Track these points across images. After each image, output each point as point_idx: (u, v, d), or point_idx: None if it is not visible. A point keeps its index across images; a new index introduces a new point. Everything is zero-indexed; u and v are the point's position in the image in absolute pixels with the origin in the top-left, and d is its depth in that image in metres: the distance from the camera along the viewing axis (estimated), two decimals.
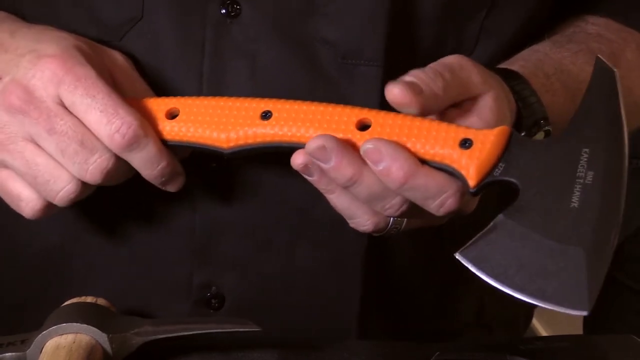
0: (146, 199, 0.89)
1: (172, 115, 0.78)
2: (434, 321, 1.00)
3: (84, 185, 0.77)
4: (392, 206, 0.73)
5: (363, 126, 0.72)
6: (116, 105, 0.75)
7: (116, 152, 0.76)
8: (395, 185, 0.69)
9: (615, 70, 0.71)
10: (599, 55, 0.72)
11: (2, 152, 0.78)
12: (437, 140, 0.70)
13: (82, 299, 0.84)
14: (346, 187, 0.72)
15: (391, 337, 0.92)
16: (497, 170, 0.69)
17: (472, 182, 0.69)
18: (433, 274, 0.98)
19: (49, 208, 0.80)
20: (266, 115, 0.75)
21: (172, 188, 0.80)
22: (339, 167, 0.71)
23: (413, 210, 0.74)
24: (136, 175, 0.80)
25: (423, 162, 0.71)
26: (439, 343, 0.86)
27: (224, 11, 0.85)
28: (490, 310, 1.04)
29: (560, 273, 0.65)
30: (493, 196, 0.79)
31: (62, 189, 0.77)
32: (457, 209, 0.71)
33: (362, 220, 0.76)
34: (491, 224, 0.68)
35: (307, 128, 0.73)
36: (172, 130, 0.78)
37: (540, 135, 0.83)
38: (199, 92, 0.85)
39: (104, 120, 0.75)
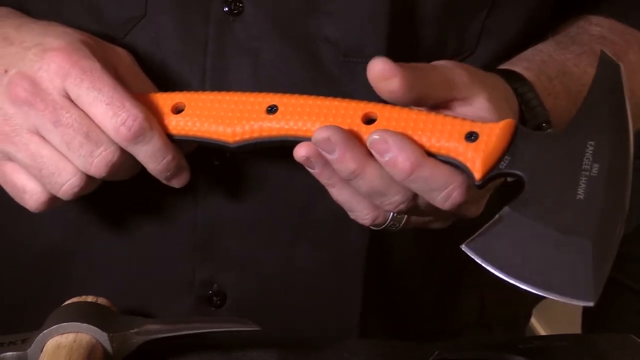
0: (149, 195, 0.89)
1: (177, 110, 0.78)
2: (434, 321, 1.01)
3: (88, 178, 0.77)
4: (392, 203, 0.73)
5: (369, 120, 0.73)
6: (122, 98, 0.75)
7: (122, 145, 0.76)
8: (401, 176, 0.70)
9: (620, 64, 0.71)
10: (603, 50, 0.73)
11: (7, 144, 0.78)
12: (443, 133, 0.71)
13: (83, 298, 0.84)
14: (348, 180, 0.72)
15: (391, 337, 0.92)
16: (502, 163, 0.70)
17: (477, 174, 0.70)
18: (433, 274, 0.98)
19: (53, 201, 0.80)
20: (272, 110, 0.75)
21: (177, 183, 0.80)
22: (342, 159, 0.71)
23: (412, 208, 0.74)
24: (139, 171, 0.80)
25: (429, 155, 0.71)
26: (439, 343, 0.86)
27: (226, 9, 0.85)
28: (490, 309, 1.04)
29: (566, 264, 0.66)
30: (494, 200, 0.79)
31: (67, 182, 0.77)
32: (462, 202, 0.71)
33: (361, 214, 0.76)
34: (497, 216, 0.69)
35: (312, 122, 0.74)
36: (177, 125, 0.78)
37: None
38: (201, 89, 0.85)
39: (110, 112, 0.75)
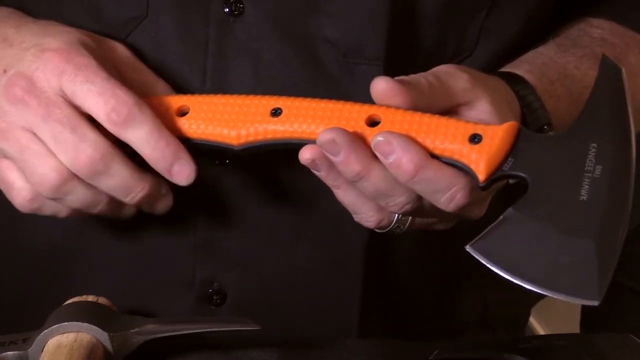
0: None
1: (182, 112, 0.79)
2: (434, 321, 1.01)
3: (73, 177, 0.77)
4: (397, 204, 0.74)
5: (373, 122, 0.73)
6: (114, 87, 0.76)
7: (114, 133, 0.76)
8: (405, 177, 0.70)
9: (621, 67, 0.72)
10: (604, 53, 0.73)
11: (1, 140, 0.79)
12: (447, 135, 0.71)
13: (83, 297, 0.84)
14: (353, 182, 0.73)
15: (391, 337, 0.92)
16: (506, 164, 0.70)
17: (481, 176, 0.70)
18: (433, 274, 0.98)
19: (37, 200, 0.80)
20: (276, 112, 0.75)
21: (180, 177, 0.78)
22: (347, 161, 0.71)
23: (417, 210, 0.74)
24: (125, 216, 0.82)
25: (433, 157, 0.71)
26: (439, 343, 0.86)
27: (227, 10, 0.85)
28: (492, 310, 1.04)
29: (571, 264, 0.66)
30: (495, 201, 0.79)
31: (46, 174, 0.77)
32: (466, 204, 0.71)
33: (366, 216, 0.76)
34: (501, 217, 0.69)
35: (317, 125, 0.74)
36: (182, 128, 0.78)
37: None
38: (202, 90, 0.86)
39: (101, 101, 0.76)
